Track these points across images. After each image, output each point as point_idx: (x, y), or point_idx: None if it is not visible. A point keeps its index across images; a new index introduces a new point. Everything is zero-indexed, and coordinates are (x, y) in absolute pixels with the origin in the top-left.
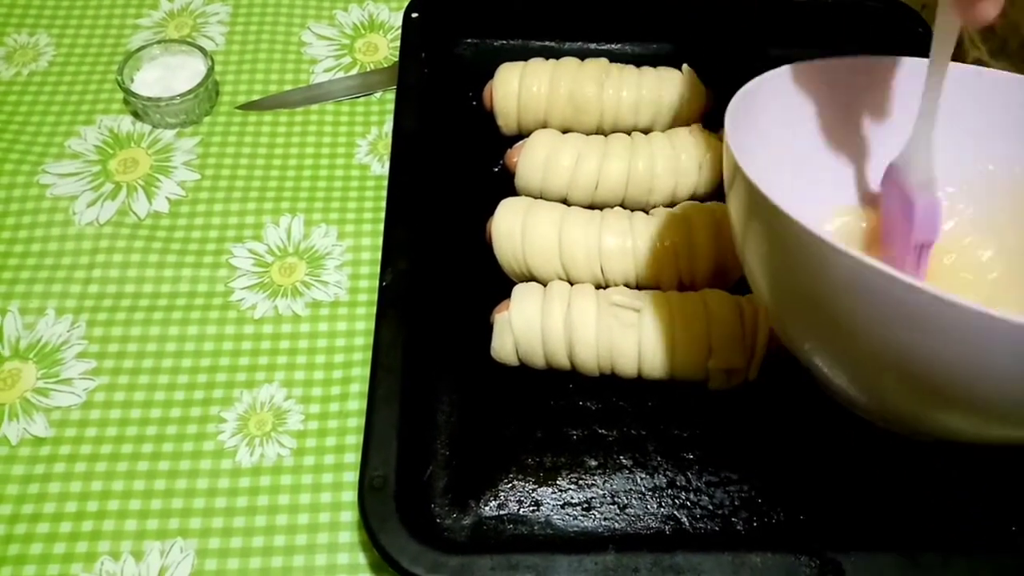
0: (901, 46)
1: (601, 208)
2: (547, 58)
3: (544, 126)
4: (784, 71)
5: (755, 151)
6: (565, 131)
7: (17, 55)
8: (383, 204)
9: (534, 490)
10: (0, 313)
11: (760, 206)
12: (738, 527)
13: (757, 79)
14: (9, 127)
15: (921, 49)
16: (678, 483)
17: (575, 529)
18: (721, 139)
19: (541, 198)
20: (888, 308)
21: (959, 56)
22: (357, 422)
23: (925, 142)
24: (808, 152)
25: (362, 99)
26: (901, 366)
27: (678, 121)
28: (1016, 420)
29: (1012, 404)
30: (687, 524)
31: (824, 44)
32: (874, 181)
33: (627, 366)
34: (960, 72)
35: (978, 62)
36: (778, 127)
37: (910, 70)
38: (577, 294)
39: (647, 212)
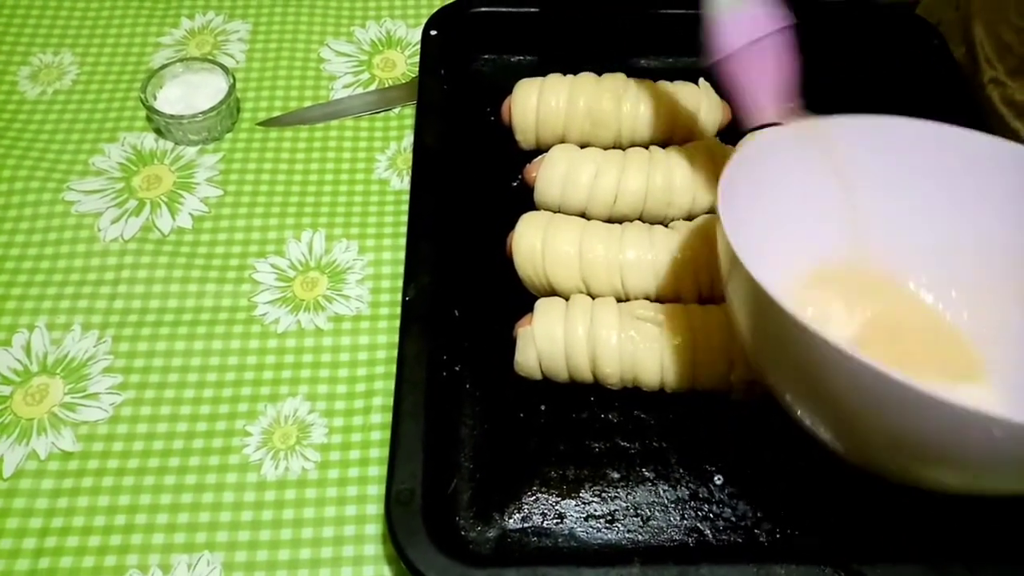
0: (917, 58)
1: (620, 222)
2: (564, 73)
3: (562, 141)
4: (771, 135)
5: (750, 217)
6: (583, 146)
7: (42, 74)
8: (403, 218)
9: (557, 503)
10: (27, 329)
11: (753, 292)
12: (761, 539)
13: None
14: (35, 145)
15: (936, 62)
16: (701, 495)
17: (599, 542)
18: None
19: (559, 213)
20: (869, 392)
21: (976, 76)
22: (380, 435)
23: None
24: (797, 214)
25: (380, 115)
26: (885, 432)
27: (696, 135)
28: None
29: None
30: (710, 536)
31: (839, 56)
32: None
33: (649, 379)
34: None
35: (994, 81)
36: (771, 190)
37: (894, 130)
38: (599, 308)
39: (666, 226)
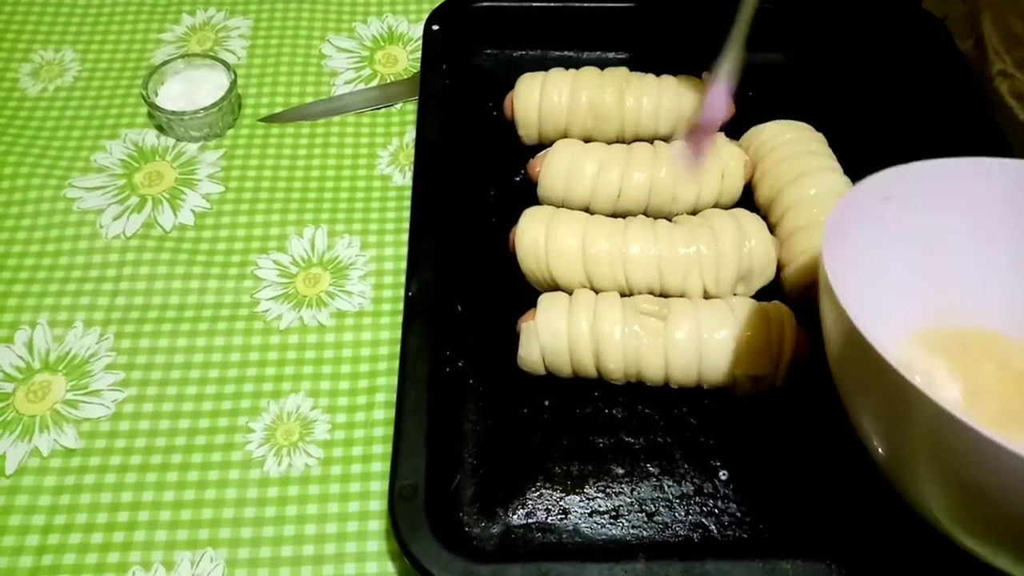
0: (923, 54)
1: (623, 217)
2: (567, 67)
3: (565, 136)
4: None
5: (846, 273)
6: (586, 140)
7: (43, 71)
8: (405, 214)
9: (562, 498)
10: (30, 326)
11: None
12: (767, 534)
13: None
14: (36, 142)
15: (943, 58)
16: (705, 490)
17: (603, 537)
18: (741, 146)
19: (563, 207)
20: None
21: (984, 69)
22: (383, 431)
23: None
24: (895, 267)
25: (382, 110)
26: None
27: None
28: None
29: None
30: (715, 532)
31: (846, 53)
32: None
33: (654, 374)
34: None
35: (1003, 73)
36: (868, 245)
37: (993, 173)
38: (603, 302)
39: (670, 220)
